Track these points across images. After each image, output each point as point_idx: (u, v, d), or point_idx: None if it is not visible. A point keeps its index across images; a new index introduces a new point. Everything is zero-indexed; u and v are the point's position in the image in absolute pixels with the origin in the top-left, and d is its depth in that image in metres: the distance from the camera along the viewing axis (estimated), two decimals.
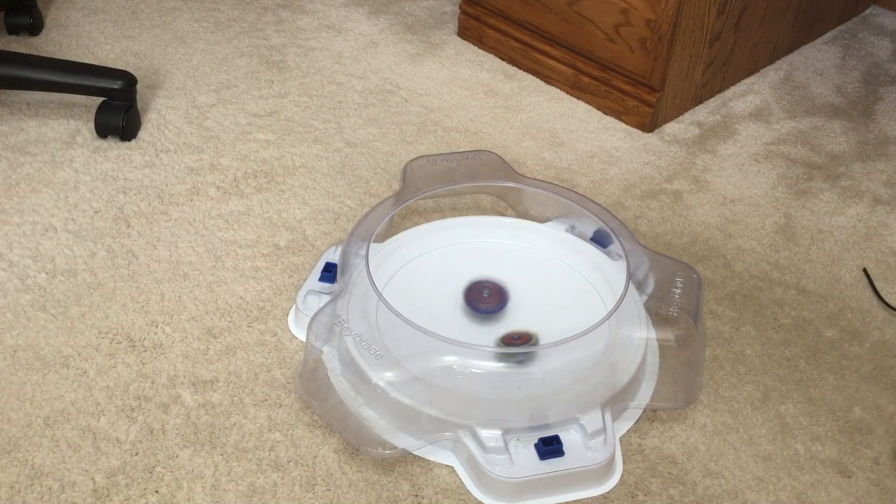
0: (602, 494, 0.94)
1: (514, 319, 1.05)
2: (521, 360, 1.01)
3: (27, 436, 0.95)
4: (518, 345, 1.02)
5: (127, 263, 1.16)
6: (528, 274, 1.12)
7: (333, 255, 1.13)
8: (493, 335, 1.03)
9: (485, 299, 1.06)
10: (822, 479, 0.98)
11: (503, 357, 1.01)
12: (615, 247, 1.14)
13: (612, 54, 1.48)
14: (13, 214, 1.21)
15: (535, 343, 1.02)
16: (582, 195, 1.19)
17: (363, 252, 1.07)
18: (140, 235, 1.20)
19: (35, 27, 1.57)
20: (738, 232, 1.30)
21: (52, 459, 0.93)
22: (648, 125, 1.48)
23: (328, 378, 1.01)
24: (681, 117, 1.53)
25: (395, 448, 0.94)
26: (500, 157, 1.25)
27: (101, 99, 1.35)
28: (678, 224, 1.30)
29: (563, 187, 1.21)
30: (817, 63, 1.70)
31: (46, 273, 1.13)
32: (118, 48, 1.56)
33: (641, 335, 1.04)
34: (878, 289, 1.22)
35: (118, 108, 1.34)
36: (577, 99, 1.55)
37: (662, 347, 1.08)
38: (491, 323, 1.05)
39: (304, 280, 1.12)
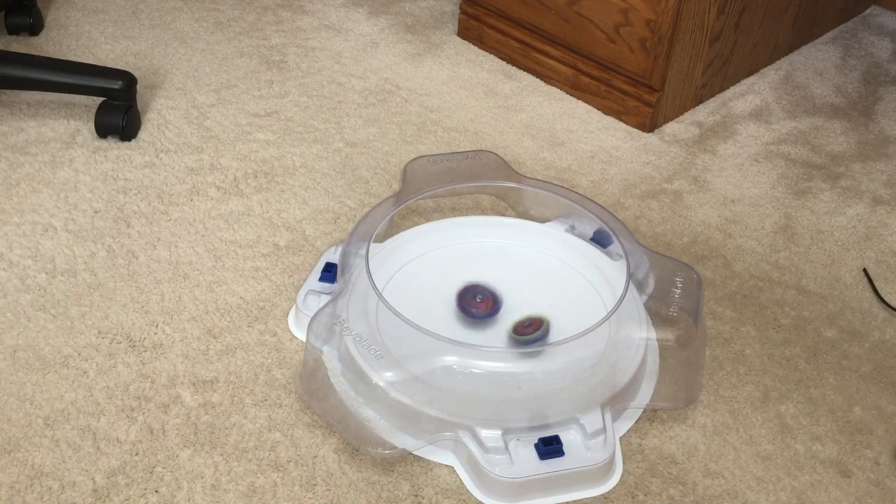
0: (602, 494, 0.94)
1: (512, 320, 1.05)
2: (533, 351, 1.02)
3: (27, 436, 0.95)
4: (530, 332, 1.02)
5: (127, 263, 1.16)
6: (528, 274, 1.12)
7: (333, 255, 1.13)
8: (492, 335, 1.04)
9: (477, 304, 1.06)
10: (822, 479, 0.98)
11: (515, 346, 1.02)
12: (615, 247, 1.14)
13: (612, 54, 1.48)
14: (13, 214, 1.21)
15: (547, 328, 1.02)
16: (582, 195, 1.19)
17: (363, 252, 1.07)
18: (140, 235, 1.20)
19: (35, 27, 1.57)
20: (738, 232, 1.30)
21: (52, 459, 0.93)
22: (648, 125, 1.48)
23: (328, 378, 1.01)
24: (681, 117, 1.53)
25: (395, 448, 0.94)
26: (500, 157, 1.25)
27: (101, 99, 1.35)
28: (678, 224, 1.30)
29: (563, 187, 1.21)
30: (817, 63, 1.70)
31: (46, 273, 1.13)
32: (118, 48, 1.56)
33: (641, 335, 1.04)
34: (878, 289, 1.22)
35: (118, 108, 1.34)
36: (577, 99, 1.55)
37: (662, 347, 1.08)
38: (489, 325, 1.05)
39: (304, 280, 1.12)
